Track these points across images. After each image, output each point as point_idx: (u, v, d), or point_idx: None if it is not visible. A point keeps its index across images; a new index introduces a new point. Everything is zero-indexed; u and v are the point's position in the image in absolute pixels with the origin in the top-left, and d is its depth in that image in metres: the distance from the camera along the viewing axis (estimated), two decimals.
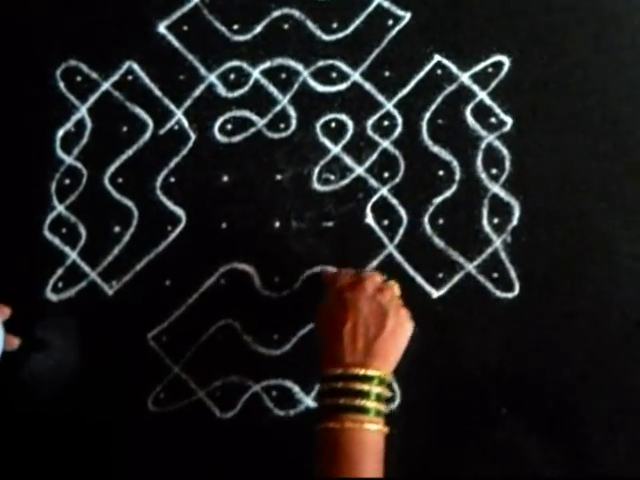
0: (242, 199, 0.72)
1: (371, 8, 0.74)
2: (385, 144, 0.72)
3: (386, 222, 0.71)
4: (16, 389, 0.70)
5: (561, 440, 0.68)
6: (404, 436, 0.68)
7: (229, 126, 0.73)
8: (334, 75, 0.73)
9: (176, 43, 0.74)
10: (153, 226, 0.72)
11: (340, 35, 0.74)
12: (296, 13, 0.74)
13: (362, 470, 0.56)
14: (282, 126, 0.73)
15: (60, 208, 0.72)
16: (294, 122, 0.73)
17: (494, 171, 0.71)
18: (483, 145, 0.72)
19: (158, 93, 0.74)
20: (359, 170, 0.72)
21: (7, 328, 0.66)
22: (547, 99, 0.72)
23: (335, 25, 0.74)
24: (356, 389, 0.58)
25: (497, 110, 0.72)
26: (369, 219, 0.71)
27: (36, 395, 0.70)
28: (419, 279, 0.70)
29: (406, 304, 0.69)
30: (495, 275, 0.70)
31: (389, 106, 0.73)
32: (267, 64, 0.74)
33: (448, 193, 0.71)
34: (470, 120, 0.72)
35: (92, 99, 0.74)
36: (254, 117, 0.73)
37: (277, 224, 0.71)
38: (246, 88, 0.73)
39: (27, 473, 0.69)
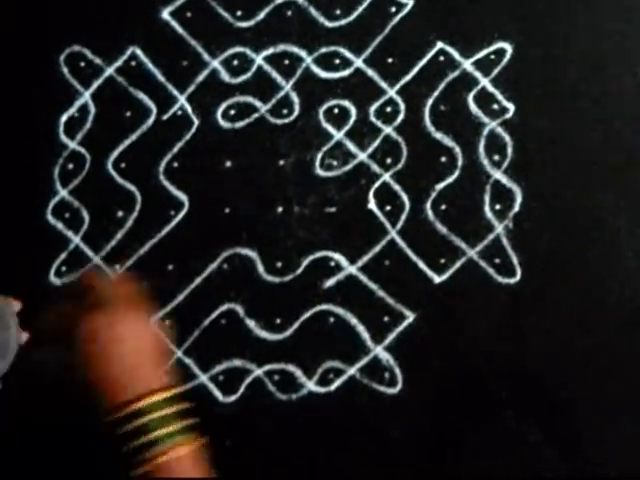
0: (245, 184, 0.72)
1: None
2: (388, 130, 0.72)
3: (388, 208, 0.71)
4: (19, 375, 0.70)
5: (562, 425, 0.68)
6: (405, 422, 0.68)
7: (232, 112, 0.73)
8: (337, 61, 0.74)
9: (179, 29, 0.74)
10: (156, 211, 0.72)
11: (343, 22, 0.74)
12: (299, 0, 0.75)
13: None
14: (285, 112, 0.73)
15: (63, 193, 0.72)
16: (297, 108, 0.73)
17: (496, 157, 0.71)
18: (485, 132, 0.72)
19: (161, 79, 0.74)
20: (362, 156, 0.72)
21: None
22: (549, 86, 0.73)
23: (338, 12, 0.74)
24: (133, 428, 0.51)
25: (499, 97, 0.72)
26: (371, 205, 0.71)
27: (40, 380, 0.70)
28: (421, 265, 0.70)
29: (408, 290, 0.70)
30: (497, 261, 0.70)
31: (392, 92, 0.73)
32: (270, 50, 0.74)
33: (450, 179, 0.71)
34: (472, 107, 0.72)
35: (96, 84, 0.74)
36: (257, 103, 0.73)
37: (280, 209, 0.71)
38: (249, 74, 0.74)
39: (39, 463, 0.69)
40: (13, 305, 0.66)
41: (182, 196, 0.72)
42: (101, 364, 0.54)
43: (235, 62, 0.74)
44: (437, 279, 0.70)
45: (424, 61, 0.73)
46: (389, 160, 0.72)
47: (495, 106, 0.72)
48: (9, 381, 0.64)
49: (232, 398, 0.69)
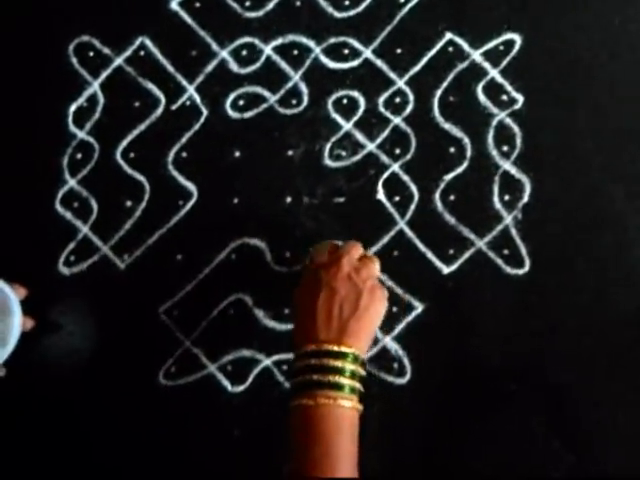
0: (254, 175, 0.72)
1: None
2: (397, 121, 0.72)
3: (397, 198, 0.71)
4: (28, 364, 0.70)
5: (569, 418, 0.68)
6: (413, 412, 0.68)
7: (241, 102, 0.73)
8: (346, 52, 0.73)
9: (188, 19, 0.74)
10: (165, 201, 0.72)
11: (352, 12, 0.74)
12: None
13: (335, 447, 0.55)
14: (294, 102, 0.73)
15: (72, 182, 0.72)
16: (306, 98, 0.73)
17: (505, 148, 0.71)
18: (494, 122, 0.72)
19: (170, 69, 0.74)
20: (370, 146, 0.72)
21: (22, 305, 0.66)
22: (558, 77, 0.72)
23: (347, 2, 0.74)
24: (330, 365, 0.57)
25: (508, 88, 0.72)
26: (380, 195, 0.71)
27: (48, 368, 0.70)
28: (430, 255, 0.70)
29: (417, 280, 0.70)
30: (506, 252, 0.70)
31: (401, 83, 0.73)
32: (279, 40, 0.74)
33: (459, 170, 0.71)
34: (481, 97, 0.72)
35: (104, 74, 0.74)
36: (266, 93, 0.73)
37: (288, 199, 0.71)
38: (258, 64, 0.74)
39: (42, 449, 0.69)
40: (18, 291, 0.66)
41: (191, 186, 0.72)
42: (350, 310, 0.60)
43: (244, 52, 0.74)
44: (446, 270, 0.70)
45: (433, 52, 0.73)
46: (398, 151, 0.72)
47: (504, 97, 0.72)
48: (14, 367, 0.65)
49: (241, 388, 0.69)
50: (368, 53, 0.73)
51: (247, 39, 0.74)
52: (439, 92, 0.72)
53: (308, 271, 0.63)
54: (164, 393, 0.69)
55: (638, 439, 0.68)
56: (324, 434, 0.55)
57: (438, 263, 0.70)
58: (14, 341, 0.64)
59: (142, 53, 0.74)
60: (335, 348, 0.58)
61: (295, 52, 0.74)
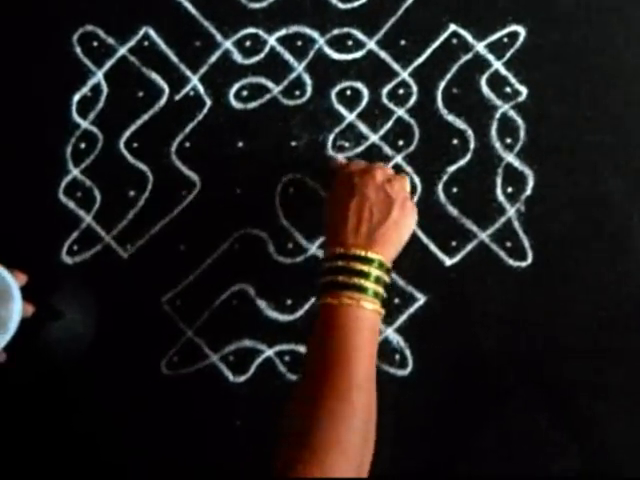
0: (257, 165, 0.72)
1: None
2: (400, 112, 0.72)
3: None
4: (30, 352, 0.70)
5: (573, 409, 0.68)
6: (415, 403, 0.68)
7: (245, 92, 0.73)
8: (350, 43, 0.73)
9: (192, 9, 0.74)
10: (168, 191, 0.72)
11: (356, 3, 0.74)
12: None
13: (354, 340, 0.57)
14: (297, 93, 0.73)
15: (75, 172, 0.72)
16: (309, 89, 0.73)
17: (508, 140, 0.71)
18: (498, 115, 0.72)
19: (174, 59, 0.74)
20: (374, 138, 0.72)
21: (23, 292, 0.66)
22: (562, 69, 0.72)
23: None
24: (356, 268, 0.59)
25: (512, 80, 0.72)
26: None
27: (50, 357, 0.70)
28: (432, 247, 0.70)
29: (419, 272, 0.70)
30: (508, 244, 0.70)
31: (404, 75, 0.73)
32: (283, 31, 0.74)
33: (462, 162, 0.71)
34: (485, 89, 0.72)
35: (108, 64, 0.74)
36: (270, 84, 0.73)
37: (291, 190, 0.71)
38: (262, 55, 0.74)
39: (42, 436, 0.69)
40: (18, 277, 0.66)
41: (194, 176, 0.72)
42: (381, 218, 0.62)
43: (248, 43, 0.74)
44: (448, 262, 0.70)
45: (437, 43, 0.73)
46: (401, 142, 0.72)
47: (508, 89, 0.72)
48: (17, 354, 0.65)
49: (242, 378, 0.69)
50: (372, 44, 0.73)
51: (251, 30, 0.74)
52: (443, 84, 0.72)
53: (342, 175, 0.65)
54: (166, 383, 0.69)
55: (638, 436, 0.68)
56: (345, 329, 0.57)
57: (440, 255, 0.70)
58: (14, 327, 0.64)
59: (146, 43, 0.74)
60: (362, 253, 0.59)
61: (299, 43, 0.74)
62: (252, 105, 0.73)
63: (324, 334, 0.57)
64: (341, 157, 0.71)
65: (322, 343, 0.57)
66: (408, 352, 0.69)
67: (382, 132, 0.72)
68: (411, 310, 0.69)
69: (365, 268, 0.59)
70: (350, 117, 0.72)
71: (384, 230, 0.61)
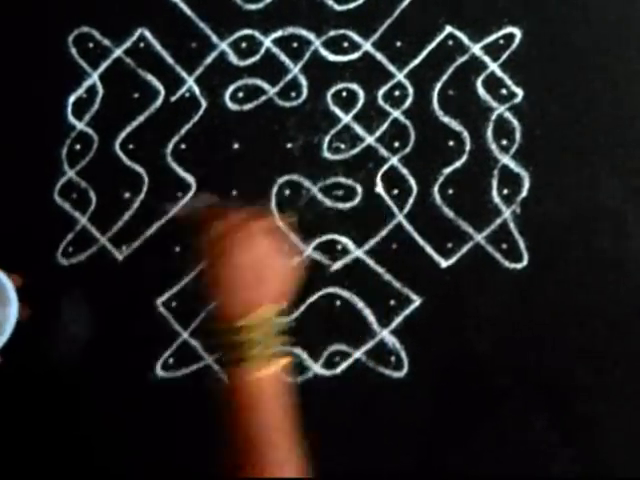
0: (252, 167, 0.72)
1: None
2: (396, 114, 0.72)
3: (396, 191, 0.71)
4: (26, 354, 0.70)
5: (568, 412, 0.68)
6: (410, 405, 0.68)
7: (240, 94, 0.73)
8: (345, 45, 0.73)
9: (188, 11, 0.74)
10: (163, 192, 0.72)
11: (352, 5, 0.74)
12: None
13: (263, 417, 0.55)
14: (293, 95, 0.73)
15: (71, 173, 0.72)
16: (305, 91, 0.73)
17: (504, 142, 0.71)
18: (494, 116, 0.72)
19: (170, 60, 0.74)
20: (369, 139, 0.72)
21: (18, 293, 0.66)
22: (558, 71, 0.72)
23: None
24: (238, 341, 0.56)
25: (508, 82, 0.72)
26: (379, 188, 0.71)
27: (46, 358, 0.70)
28: (428, 249, 0.70)
29: (415, 273, 0.70)
30: (504, 246, 0.70)
31: (400, 76, 0.73)
32: (279, 33, 0.74)
33: (458, 164, 0.71)
34: (481, 91, 0.72)
35: (104, 65, 0.74)
36: (265, 85, 0.73)
37: (287, 192, 0.71)
38: (257, 57, 0.74)
39: (38, 438, 0.69)
40: (14, 280, 0.66)
41: (189, 178, 0.72)
42: (254, 281, 0.58)
43: (243, 45, 0.74)
44: (444, 263, 0.70)
45: (433, 45, 0.73)
46: (397, 144, 0.72)
47: (503, 91, 0.72)
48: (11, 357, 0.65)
49: None
50: (368, 46, 0.73)
51: (247, 31, 0.74)
52: (438, 85, 0.72)
53: (206, 247, 0.61)
54: (162, 384, 0.69)
55: (637, 432, 0.68)
56: (248, 409, 0.55)
57: (436, 256, 0.70)
58: (10, 329, 0.64)
59: (142, 45, 0.74)
60: (240, 323, 0.56)
61: (295, 45, 0.74)
62: (248, 107, 0.73)
63: (232, 420, 0.55)
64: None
65: (230, 435, 0.55)
66: (403, 354, 0.69)
67: (378, 134, 0.72)
68: (407, 312, 0.69)
69: (244, 337, 0.56)
70: (346, 119, 0.72)
71: (262, 291, 0.58)
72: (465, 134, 0.71)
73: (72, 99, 0.73)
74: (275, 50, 0.74)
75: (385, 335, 0.69)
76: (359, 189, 0.71)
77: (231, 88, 0.73)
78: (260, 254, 0.59)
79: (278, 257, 0.61)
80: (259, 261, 0.59)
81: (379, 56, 0.73)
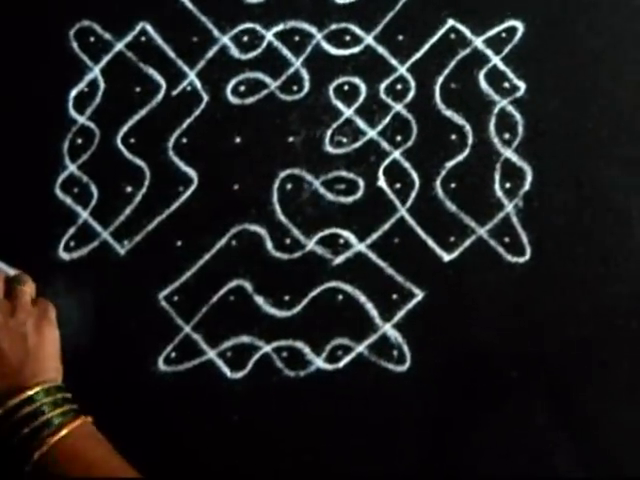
0: (254, 161, 0.72)
1: None
2: (398, 108, 0.72)
3: (398, 185, 0.71)
4: None
5: (572, 407, 0.68)
6: (413, 400, 0.68)
7: (242, 88, 0.73)
8: (347, 38, 0.73)
9: (189, 5, 0.74)
10: (165, 186, 0.71)
11: None
12: None
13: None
14: (295, 88, 0.73)
15: (72, 168, 0.72)
16: (307, 85, 0.73)
17: (507, 136, 0.71)
18: (496, 110, 0.72)
19: (171, 54, 0.73)
20: (371, 133, 0.72)
21: None
22: (561, 64, 0.72)
23: None
24: (22, 417, 0.58)
25: (510, 75, 0.72)
26: (381, 182, 0.71)
27: None
28: (430, 243, 0.70)
29: (417, 267, 0.69)
30: (507, 240, 0.70)
31: (402, 70, 0.73)
32: (280, 26, 0.74)
33: (460, 157, 0.71)
34: (483, 85, 0.72)
35: (105, 59, 0.74)
36: (267, 79, 0.73)
37: (289, 186, 0.71)
38: (259, 50, 0.73)
39: None
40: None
41: (191, 172, 0.72)
42: (22, 356, 0.61)
43: (245, 38, 0.73)
44: (446, 257, 0.70)
45: (435, 38, 0.73)
46: (399, 138, 0.72)
47: (506, 84, 0.72)
48: None
49: (240, 374, 0.69)
50: (370, 39, 0.73)
51: (248, 25, 0.74)
52: (441, 79, 0.72)
53: None
54: (163, 379, 0.69)
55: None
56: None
57: (439, 250, 0.70)
58: None
59: (143, 39, 0.74)
60: (15, 401, 0.59)
61: (296, 38, 0.73)
62: (249, 100, 0.73)
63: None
64: None
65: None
66: (406, 348, 0.69)
67: (380, 127, 0.72)
68: (409, 306, 0.69)
69: (29, 409, 0.59)
70: (348, 112, 0.72)
71: (30, 364, 0.61)
72: (467, 128, 0.71)
73: (73, 93, 0.73)
74: (277, 44, 0.73)
75: (387, 329, 0.69)
76: (361, 183, 0.71)
77: (233, 82, 0.73)
78: (25, 333, 0.62)
79: (47, 326, 0.64)
80: (26, 337, 0.62)
81: (381, 50, 0.73)
